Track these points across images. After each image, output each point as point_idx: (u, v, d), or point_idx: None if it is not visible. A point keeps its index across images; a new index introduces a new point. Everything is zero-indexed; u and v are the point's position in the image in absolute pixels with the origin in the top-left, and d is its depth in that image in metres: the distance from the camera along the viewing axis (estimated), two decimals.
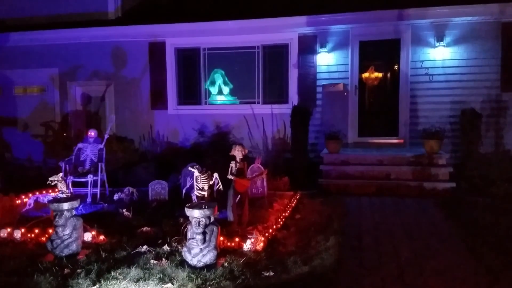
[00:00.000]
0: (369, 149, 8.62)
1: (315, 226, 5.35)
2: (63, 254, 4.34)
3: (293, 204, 6.35)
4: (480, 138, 8.13)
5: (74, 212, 4.56)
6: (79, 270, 4.02)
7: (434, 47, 8.80)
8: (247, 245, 4.50)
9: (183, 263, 4.10)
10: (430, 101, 8.91)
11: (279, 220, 5.47)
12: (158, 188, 6.80)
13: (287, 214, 5.84)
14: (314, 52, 9.36)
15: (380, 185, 7.48)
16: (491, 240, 4.79)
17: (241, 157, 5.31)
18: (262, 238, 4.64)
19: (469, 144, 7.95)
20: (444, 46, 8.73)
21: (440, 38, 8.74)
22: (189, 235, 4.12)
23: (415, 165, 7.65)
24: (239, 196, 5.39)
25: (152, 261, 4.20)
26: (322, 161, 8.09)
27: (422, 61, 8.91)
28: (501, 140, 8.70)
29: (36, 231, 5.06)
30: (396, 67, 9.26)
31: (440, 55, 8.79)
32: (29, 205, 6.47)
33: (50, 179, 5.65)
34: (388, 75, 9.49)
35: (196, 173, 5.22)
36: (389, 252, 4.55)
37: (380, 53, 9.40)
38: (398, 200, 6.88)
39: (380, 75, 9.49)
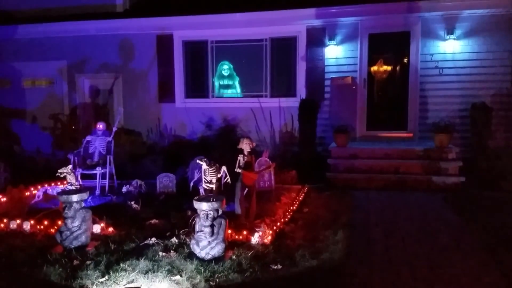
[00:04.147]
0: (377, 143, 8.57)
1: (323, 220, 5.35)
2: (72, 246, 4.36)
3: (300, 198, 6.34)
4: (491, 132, 8.05)
5: (83, 204, 4.58)
6: (88, 262, 4.05)
7: (444, 40, 8.68)
8: (255, 238, 4.50)
9: (191, 256, 4.11)
10: (440, 94, 8.80)
11: (287, 213, 5.47)
12: (166, 181, 6.82)
13: (294, 207, 5.84)
14: (322, 44, 9.28)
15: (388, 179, 7.44)
16: (502, 234, 4.75)
17: (249, 150, 5.29)
18: (270, 231, 4.64)
19: (479, 138, 7.88)
20: (454, 39, 8.61)
21: (450, 31, 8.61)
22: (197, 227, 4.12)
23: (424, 159, 7.60)
24: (247, 189, 5.37)
25: (160, 253, 4.22)
26: (330, 155, 8.07)
27: (432, 54, 8.79)
28: (511, 134, 8.59)
29: (45, 222, 5.10)
30: (405, 60, 9.14)
31: (451, 48, 8.67)
32: (38, 197, 6.52)
33: (59, 171, 5.66)
34: (398, 68, 9.39)
35: (204, 166, 5.21)
36: (398, 247, 4.52)
37: (389, 46, 9.28)
38: (407, 194, 6.84)
39: (389, 68, 9.40)
